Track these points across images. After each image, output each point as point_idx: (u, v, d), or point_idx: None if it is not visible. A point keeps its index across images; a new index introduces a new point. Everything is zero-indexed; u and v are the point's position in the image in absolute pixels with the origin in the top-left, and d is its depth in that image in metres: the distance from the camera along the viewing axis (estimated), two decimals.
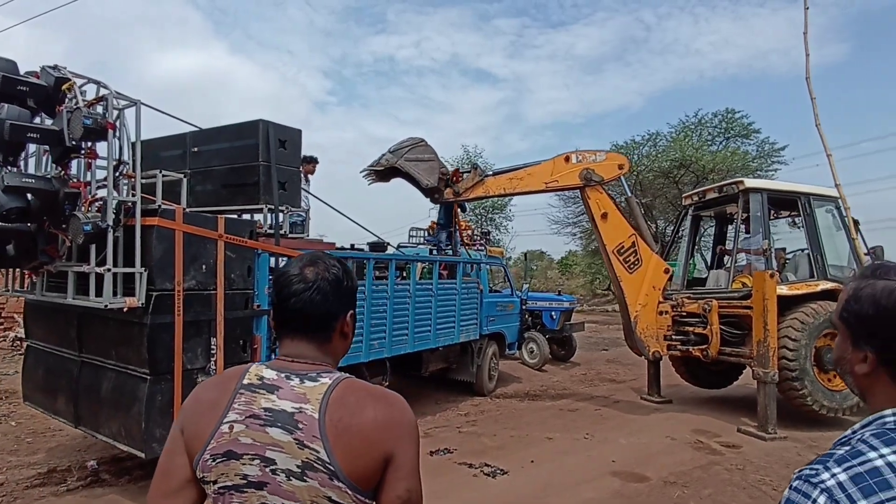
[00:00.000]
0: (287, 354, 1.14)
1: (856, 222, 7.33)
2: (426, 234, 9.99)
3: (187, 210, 4.33)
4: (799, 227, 7.62)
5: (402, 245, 9.38)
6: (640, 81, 69.01)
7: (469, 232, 9.65)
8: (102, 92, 3.93)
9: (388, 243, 7.80)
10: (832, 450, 0.84)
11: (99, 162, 3.96)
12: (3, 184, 3.58)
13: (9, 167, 3.93)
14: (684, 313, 7.32)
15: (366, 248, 7.37)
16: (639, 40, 68.00)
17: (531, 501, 4.45)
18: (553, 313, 11.03)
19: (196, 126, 5.29)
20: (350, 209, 6.42)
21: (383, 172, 7.18)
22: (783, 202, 7.65)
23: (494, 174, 7.70)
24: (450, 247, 7.53)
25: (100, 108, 3.81)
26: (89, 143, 3.77)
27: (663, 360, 7.80)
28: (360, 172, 7.21)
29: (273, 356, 4.74)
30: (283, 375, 1.09)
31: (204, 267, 4.21)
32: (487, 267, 9.18)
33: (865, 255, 7.24)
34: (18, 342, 9.66)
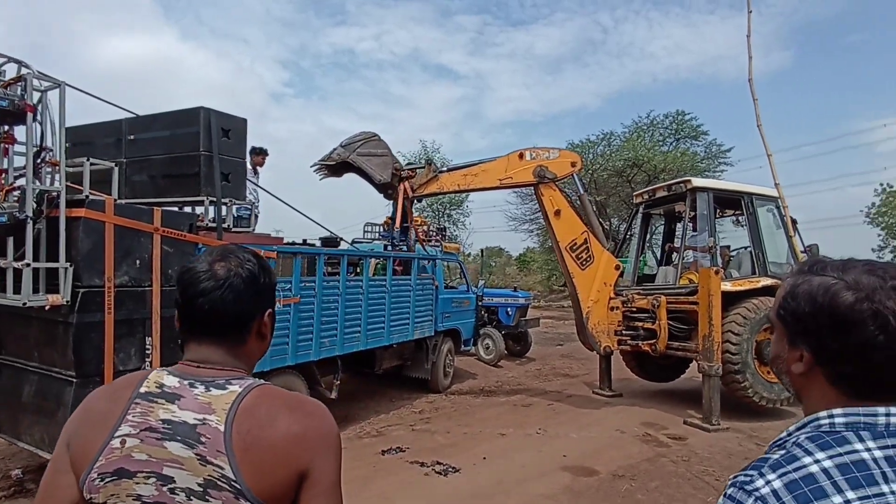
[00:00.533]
0: (192, 359, 1.02)
1: (794, 221, 7.66)
2: (381, 230, 9.84)
3: (119, 201, 4.05)
4: (742, 226, 7.90)
5: (357, 241, 9.20)
6: (597, 82, 70.68)
7: (425, 228, 9.56)
8: (24, 72, 3.63)
9: (342, 238, 7.63)
10: (767, 453, 0.80)
11: (19, 148, 3.66)
12: None
13: None
14: (634, 309, 7.47)
15: (318, 243, 7.18)
16: (596, 42, 69.61)
17: (482, 499, 4.41)
18: (509, 309, 11.08)
19: (132, 112, 4.98)
20: (309, 204, 6.35)
21: (335, 167, 6.97)
22: (728, 201, 7.92)
23: (449, 170, 7.64)
24: (404, 242, 7.42)
25: (19, 89, 3.51)
26: (6, 127, 3.47)
27: (614, 354, 7.95)
28: (311, 167, 7.00)
29: None
30: (186, 383, 0.97)
31: (138, 262, 3.96)
32: (443, 263, 9.11)
33: (802, 252, 7.58)
34: None
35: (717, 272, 6.49)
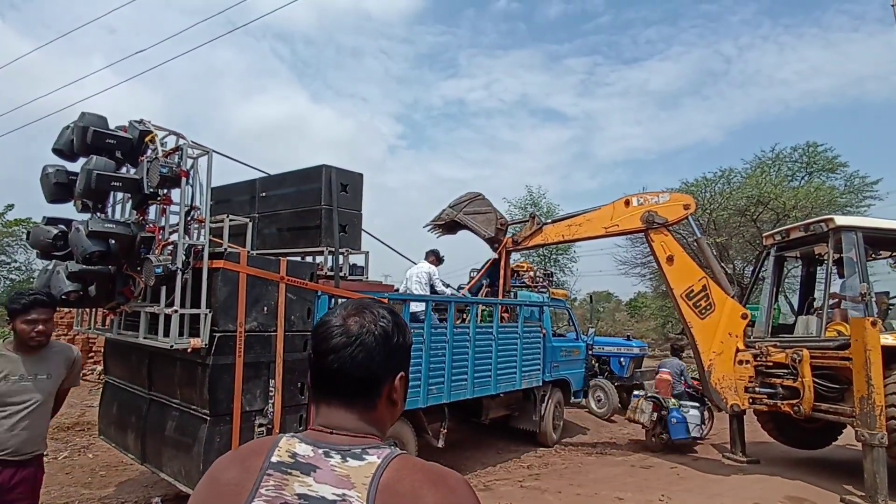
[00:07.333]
0: (324, 424, 0.96)
1: None
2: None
3: (251, 253, 4.45)
4: None
5: (462, 286, 9.27)
6: (718, 115, 67.11)
7: (531, 273, 9.43)
8: (180, 142, 4.19)
9: (448, 285, 7.72)
10: None
11: (173, 207, 4.18)
12: (89, 229, 3.82)
13: (97, 213, 4.23)
14: (770, 363, 6.67)
15: None
16: (717, 73, 66.50)
17: None
18: (622, 359, 10.46)
19: (264, 172, 5.53)
20: (417, 251, 6.52)
21: (447, 225, 7.53)
22: (882, 241, 6.92)
23: (553, 222, 7.64)
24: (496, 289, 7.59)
25: (177, 157, 4.04)
26: (164, 190, 3.99)
27: (748, 414, 7.10)
28: (424, 227, 7.53)
29: None
30: (320, 451, 0.91)
31: (266, 309, 4.28)
32: (550, 310, 8.87)
33: None
34: (102, 376, 10.27)
35: (873, 323, 5.62)
